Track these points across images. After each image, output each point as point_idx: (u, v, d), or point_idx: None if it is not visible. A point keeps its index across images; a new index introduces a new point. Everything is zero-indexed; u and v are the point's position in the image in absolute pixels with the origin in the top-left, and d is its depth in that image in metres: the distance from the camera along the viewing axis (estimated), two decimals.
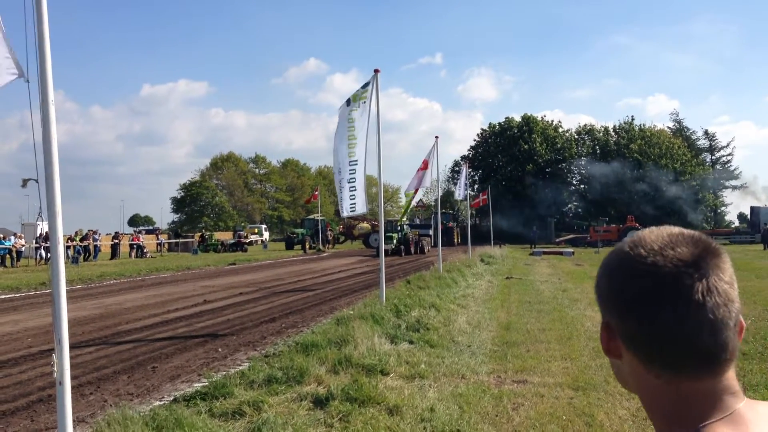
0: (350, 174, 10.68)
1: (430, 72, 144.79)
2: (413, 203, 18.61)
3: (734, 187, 68.73)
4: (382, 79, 11.02)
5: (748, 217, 56.95)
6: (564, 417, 5.15)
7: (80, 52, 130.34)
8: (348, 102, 10.73)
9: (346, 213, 11.00)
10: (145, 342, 9.21)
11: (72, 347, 8.12)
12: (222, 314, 12.03)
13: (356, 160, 10.64)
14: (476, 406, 5.44)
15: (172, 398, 5.85)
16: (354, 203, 10.76)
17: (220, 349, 8.54)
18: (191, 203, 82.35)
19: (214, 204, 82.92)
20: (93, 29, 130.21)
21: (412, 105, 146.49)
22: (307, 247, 43.89)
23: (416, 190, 17.93)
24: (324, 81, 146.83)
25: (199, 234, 50.95)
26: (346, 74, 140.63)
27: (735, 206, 70.60)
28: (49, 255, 3.66)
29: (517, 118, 68.09)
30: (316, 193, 50.46)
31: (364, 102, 10.64)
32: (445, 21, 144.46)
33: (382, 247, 11.68)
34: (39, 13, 3.47)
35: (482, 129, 71.12)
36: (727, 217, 70.01)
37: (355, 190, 10.71)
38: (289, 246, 47.85)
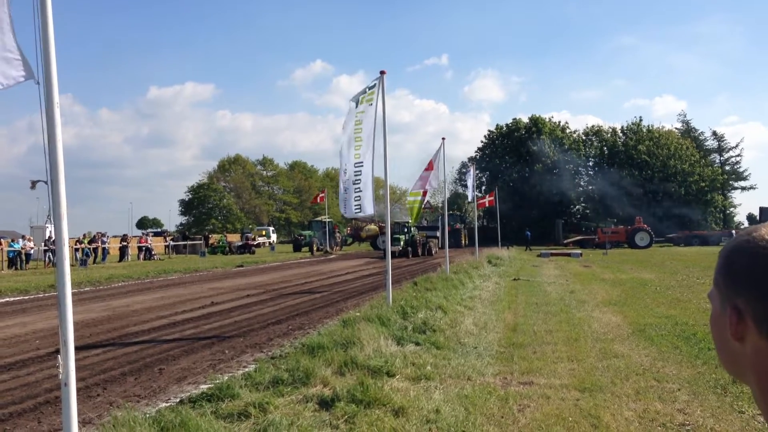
0: (356, 175, 10.70)
1: (436, 73, 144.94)
2: (423, 204, 18.56)
3: (743, 188, 68.42)
4: (389, 81, 11.02)
5: (758, 218, 56.59)
6: (570, 418, 5.13)
7: (87, 55, 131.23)
8: (356, 102, 10.75)
9: (350, 214, 11.03)
10: (153, 344, 9.25)
11: (79, 349, 8.18)
12: (229, 316, 12.07)
13: (361, 162, 10.66)
14: (482, 408, 5.42)
15: (178, 400, 5.87)
16: (359, 204, 10.77)
17: (226, 351, 8.57)
18: (199, 205, 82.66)
19: (222, 206, 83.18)
20: (99, 32, 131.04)
21: (419, 106, 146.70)
22: (315, 249, 43.96)
23: (425, 192, 17.88)
24: (330, 83, 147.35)
25: (204, 236, 51.22)
26: (353, 76, 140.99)
27: (744, 207, 70.18)
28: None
29: (525, 119, 68.14)
30: (323, 195, 50.49)
31: (371, 104, 10.65)
32: (451, 22, 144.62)
33: (389, 249, 11.67)
34: (43, 15, 3.50)
35: (489, 130, 71.23)
36: (736, 218, 69.56)
37: (360, 191, 10.71)
38: (297, 248, 47.96)
